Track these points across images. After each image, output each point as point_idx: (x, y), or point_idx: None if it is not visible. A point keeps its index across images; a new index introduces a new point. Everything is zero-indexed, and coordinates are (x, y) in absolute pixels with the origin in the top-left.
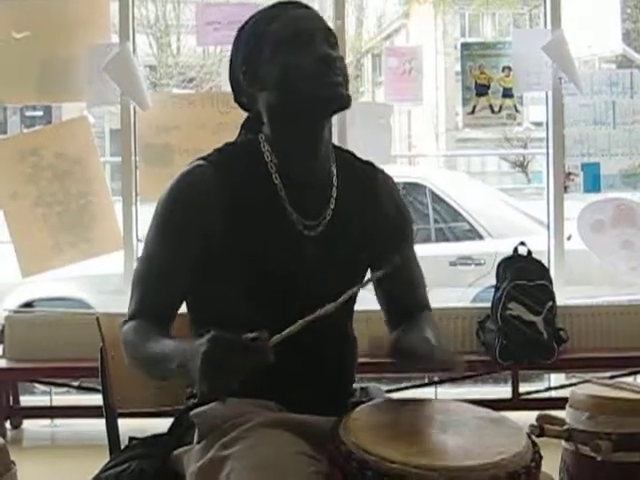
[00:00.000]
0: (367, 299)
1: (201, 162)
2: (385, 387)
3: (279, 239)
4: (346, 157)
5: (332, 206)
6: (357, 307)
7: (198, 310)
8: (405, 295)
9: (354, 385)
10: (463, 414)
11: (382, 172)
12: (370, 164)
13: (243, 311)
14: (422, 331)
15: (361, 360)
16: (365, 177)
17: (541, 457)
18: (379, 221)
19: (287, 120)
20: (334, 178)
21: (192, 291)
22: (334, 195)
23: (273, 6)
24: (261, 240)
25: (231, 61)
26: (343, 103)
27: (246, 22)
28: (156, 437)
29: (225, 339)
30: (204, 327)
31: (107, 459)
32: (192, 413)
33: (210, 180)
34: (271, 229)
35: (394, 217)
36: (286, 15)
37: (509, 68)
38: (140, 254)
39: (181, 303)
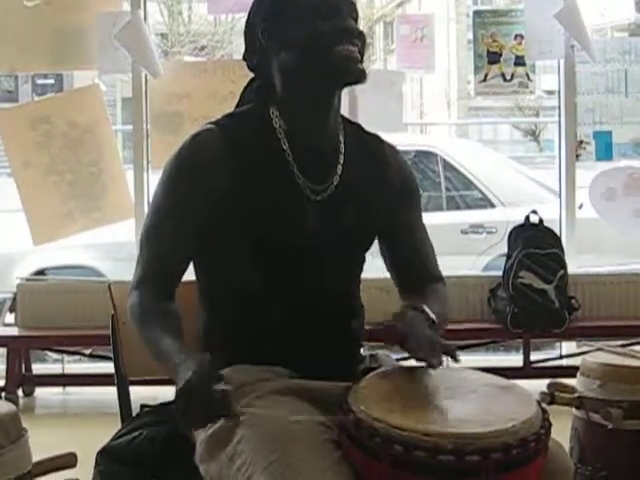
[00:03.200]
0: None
1: (210, 126)
2: (396, 355)
3: (286, 202)
4: (354, 128)
5: (339, 172)
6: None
7: (205, 275)
8: (415, 264)
9: (363, 352)
10: (473, 382)
11: (388, 144)
12: (377, 136)
13: (249, 275)
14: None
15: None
16: (372, 148)
17: (550, 424)
18: (386, 190)
19: (300, 84)
20: (341, 146)
21: (199, 254)
22: (341, 162)
23: None
24: (268, 203)
25: (249, 16)
26: (358, 77)
27: None
28: (167, 405)
29: (196, 390)
30: (211, 292)
31: (119, 427)
32: None
33: (218, 143)
34: (278, 192)
35: (401, 187)
36: None
37: (521, 36)
38: (147, 215)
39: (187, 264)
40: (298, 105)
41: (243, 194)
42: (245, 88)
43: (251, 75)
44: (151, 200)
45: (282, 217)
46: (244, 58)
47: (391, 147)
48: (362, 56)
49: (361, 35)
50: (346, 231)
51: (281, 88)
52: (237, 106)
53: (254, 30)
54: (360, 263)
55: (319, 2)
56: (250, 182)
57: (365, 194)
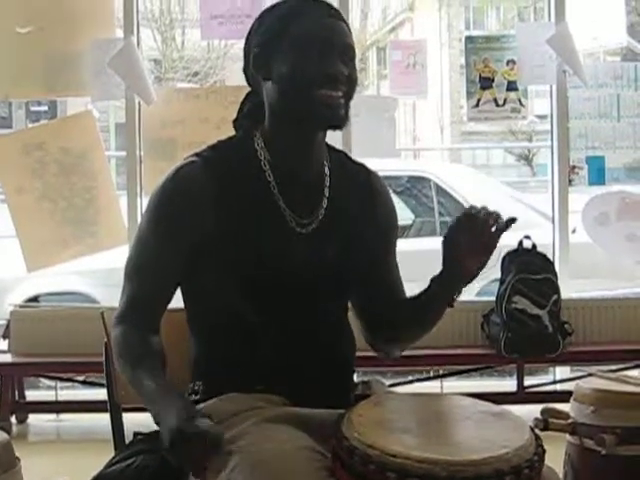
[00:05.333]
0: None
1: (194, 158)
2: (389, 381)
3: (271, 236)
4: (339, 157)
5: (324, 205)
6: None
7: (193, 304)
8: (390, 296)
9: (356, 379)
10: (466, 408)
11: (375, 175)
12: (362, 165)
13: (237, 306)
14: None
15: (365, 354)
16: (357, 178)
17: (544, 451)
18: (370, 225)
19: (283, 119)
20: (326, 177)
21: (186, 284)
22: (327, 194)
23: (306, 1)
24: (254, 236)
25: (250, 33)
26: (337, 124)
27: (276, 5)
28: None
29: (183, 440)
30: (200, 321)
31: (112, 454)
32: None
33: (202, 175)
34: (264, 226)
35: (384, 223)
36: (316, 19)
37: (513, 61)
38: (131, 248)
39: (171, 298)
40: (282, 136)
41: (228, 228)
42: (243, 101)
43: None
44: (136, 232)
45: (268, 250)
46: (244, 70)
47: (377, 178)
48: (349, 99)
49: (350, 79)
50: (331, 263)
51: (267, 116)
52: (235, 120)
53: (249, 51)
54: (346, 291)
55: (312, 40)
56: (235, 215)
57: (350, 227)
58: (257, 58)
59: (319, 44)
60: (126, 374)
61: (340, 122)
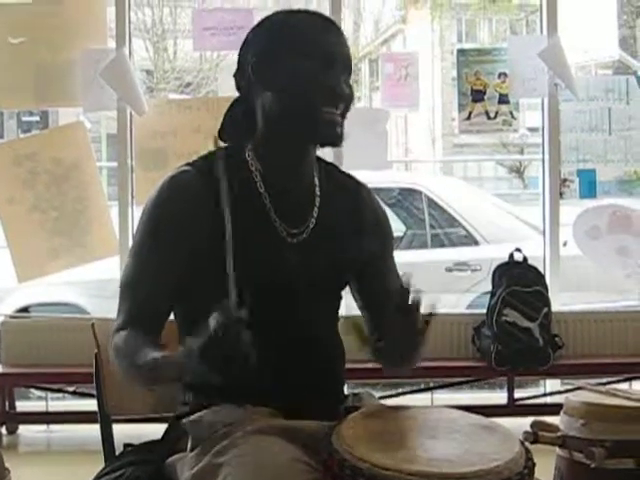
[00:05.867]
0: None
1: (187, 167)
2: (380, 393)
3: (262, 246)
4: (328, 169)
5: (315, 215)
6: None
7: (184, 315)
8: (388, 305)
9: (346, 391)
10: (456, 421)
11: (363, 185)
12: (352, 177)
13: None
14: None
15: (355, 366)
16: (347, 190)
17: (534, 464)
18: (360, 236)
19: (279, 131)
20: (317, 188)
21: (180, 300)
22: (317, 205)
23: (308, 14)
24: (246, 247)
25: (246, 39)
26: (335, 142)
27: (277, 15)
28: (150, 444)
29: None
30: (190, 332)
31: (102, 465)
32: (185, 420)
33: (196, 186)
34: (256, 236)
35: (375, 232)
36: (321, 32)
37: (505, 74)
38: (127, 261)
39: (170, 310)
40: (275, 147)
41: (221, 237)
42: (229, 108)
43: None
44: (131, 243)
45: (260, 261)
46: (234, 76)
47: (366, 190)
48: (345, 117)
49: (348, 97)
50: (321, 274)
51: (261, 126)
52: (221, 129)
53: (246, 58)
54: (336, 302)
55: (315, 55)
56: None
57: (339, 239)
58: (257, 66)
59: (324, 58)
60: (125, 368)
61: (337, 141)
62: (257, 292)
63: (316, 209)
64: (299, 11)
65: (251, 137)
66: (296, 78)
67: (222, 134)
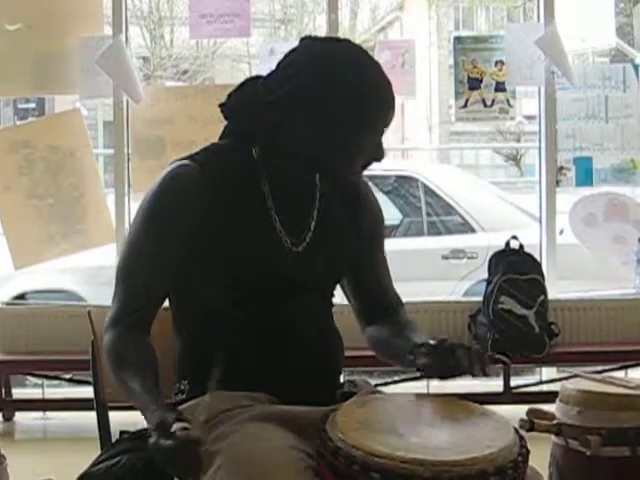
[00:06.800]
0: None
1: (188, 162)
2: (376, 381)
3: (262, 246)
4: None
5: (315, 218)
6: None
7: (180, 305)
8: (377, 296)
9: (342, 378)
10: (450, 409)
11: (362, 180)
12: None
13: (225, 308)
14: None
15: (352, 354)
16: (345, 185)
17: (528, 451)
18: (356, 236)
19: (305, 160)
20: (317, 189)
21: (176, 289)
22: (317, 206)
23: (368, 61)
24: (245, 245)
25: (291, 67)
26: (340, 180)
27: (334, 63)
28: (146, 431)
29: (159, 451)
30: (186, 322)
31: (98, 452)
32: (180, 408)
33: (196, 180)
34: (255, 235)
35: (370, 231)
36: (377, 103)
37: (502, 62)
38: (123, 249)
39: (164, 299)
40: (290, 165)
41: (220, 234)
42: (243, 87)
43: None
44: (127, 233)
45: (258, 260)
46: (250, 79)
47: (364, 184)
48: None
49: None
50: (319, 275)
51: (283, 146)
52: (229, 107)
53: (288, 79)
54: (331, 295)
55: (372, 123)
56: (228, 222)
57: (338, 240)
58: (309, 109)
59: (377, 130)
60: (115, 377)
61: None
62: (254, 288)
63: (316, 211)
64: (359, 65)
65: (267, 139)
66: (343, 142)
67: (229, 112)
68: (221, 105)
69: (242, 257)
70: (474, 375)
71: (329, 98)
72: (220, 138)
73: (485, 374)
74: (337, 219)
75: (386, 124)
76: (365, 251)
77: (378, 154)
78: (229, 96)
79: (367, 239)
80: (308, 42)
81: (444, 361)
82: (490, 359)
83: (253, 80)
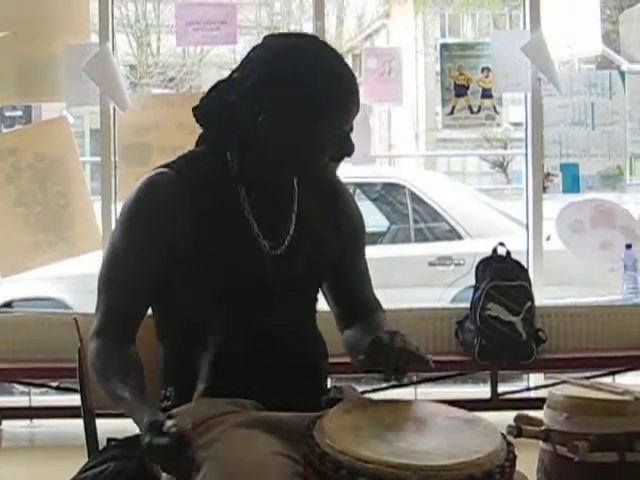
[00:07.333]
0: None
1: (165, 169)
2: (363, 387)
3: (241, 252)
4: None
5: (293, 221)
6: None
7: (162, 313)
8: (356, 299)
9: (328, 384)
10: (438, 415)
11: (340, 183)
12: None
13: (208, 315)
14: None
15: (338, 360)
16: (324, 187)
17: (515, 456)
18: (336, 238)
19: (275, 160)
20: (295, 194)
21: (157, 296)
22: (295, 209)
23: (323, 55)
24: (224, 252)
25: (248, 63)
26: (311, 178)
27: (291, 52)
28: (134, 438)
29: (154, 450)
30: (169, 329)
31: (86, 460)
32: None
33: (175, 187)
34: (234, 242)
35: (350, 234)
36: (336, 89)
37: (488, 69)
38: (103, 259)
39: (147, 308)
40: (264, 165)
41: (197, 240)
42: (213, 90)
43: None
44: (107, 243)
45: (240, 269)
46: (218, 82)
47: (343, 187)
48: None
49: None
50: (299, 278)
51: (255, 145)
52: (201, 111)
53: (248, 79)
54: (315, 300)
55: (329, 112)
56: (205, 228)
57: (317, 244)
58: (259, 93)
59: (338, 116)
60: (102, 387)
61: (317, 178)
62: (236, 293)
63: (294, 215)
64: (312, 51)
65: (237, 142)
66: (306, 133)
67: (200, 117)
68: (194, 109)
69: (220, 262)
70: (385, 377)
71: (287, 90)
72: (196, 145)
73: (396, 377)
74: (316, 223)
75: (349, 114)
76: (345, 255)
77: (346, 148)
78: (201, 100)
79: (347, 243)
80: (269, 39)
81: (375, 357)
82: (413, 357)
83: (221, 83)
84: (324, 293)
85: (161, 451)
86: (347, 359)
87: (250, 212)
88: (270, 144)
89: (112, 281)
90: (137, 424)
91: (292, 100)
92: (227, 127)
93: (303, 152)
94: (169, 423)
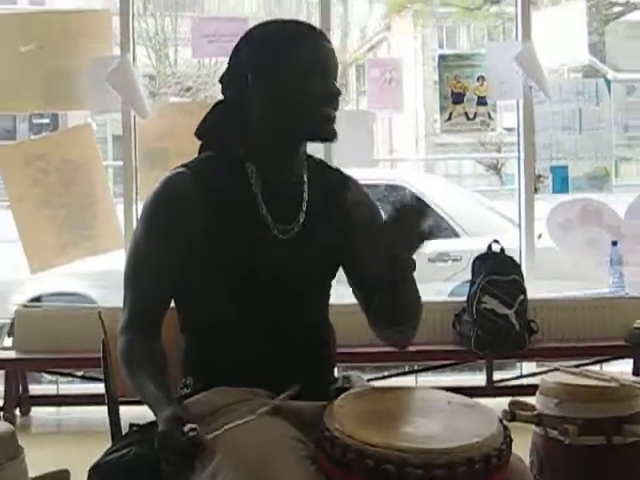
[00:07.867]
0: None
1: (182, 169)
2: (368, 376)
3: (255, 243)
4: (317, 165)
5: (304, 209)
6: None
7: (183, 306)
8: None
9: (336, 373)
10: (440, 401)
11: (349, 177)
12: (338, 171)
13: (224, 307)
14: None
15: (346, 350)
16: (334, 183)
17: (512, 440)
18: (346, 223)
19: (277, 127)
20: (305, 185)
21: (179, 292)
22: (305, 199)
23: (297, 24)
24: (239, 244)
25: (237, 53)
26: (329, 137)
27: (267, 27)
28: (155, 424)
29: (166, 446)
30: (190, 321)
31: (109, 444)
32: (186, 402)
33: (191, 186)
34: (249, 234)
35: (365, 219)
36: (316, 45)
37: (483, 78)
38: (127, 256)
39: (170, 302)
40: (268, 147)
41: (216, 236)
42: (211, 111)
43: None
44: (130, 241)
45: (252, 257)
46: (220, 81)
47: (352, 180)
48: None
49: (339, 96)
50: (310, 266)
51: (257, 127)
52: (199, 127)
53: (237, 68)
54: (326, 291)
55: (315, 64)
56: (222, 224)
57: (328, 230)
58: (256, 80)
59: (321, 68)
60: (129, 380)
61: (333, 136)
62: (251, 285)
63: (305, 205)
64: (289, 21)
65: (244, 139)
66: (298, 85)
67: (204, 135)
68: (196, 133)
69: (235, 253)
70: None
71: (272, 52)
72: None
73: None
74: (326, 212)
75: (328, 64)
76: (360, 240)
77: (331, 90)
78: (199, 125)
79: (361, 229)
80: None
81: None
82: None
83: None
84: (349, 283)
85: (173, 444)
86: (353, 350)
87: (262, 202)
88: (264, 105)
89: (135, 279)
90: (156, 415)
91: (277, 59)
92: (227, 120)
93: (296, 105)
94: (191, 426)
